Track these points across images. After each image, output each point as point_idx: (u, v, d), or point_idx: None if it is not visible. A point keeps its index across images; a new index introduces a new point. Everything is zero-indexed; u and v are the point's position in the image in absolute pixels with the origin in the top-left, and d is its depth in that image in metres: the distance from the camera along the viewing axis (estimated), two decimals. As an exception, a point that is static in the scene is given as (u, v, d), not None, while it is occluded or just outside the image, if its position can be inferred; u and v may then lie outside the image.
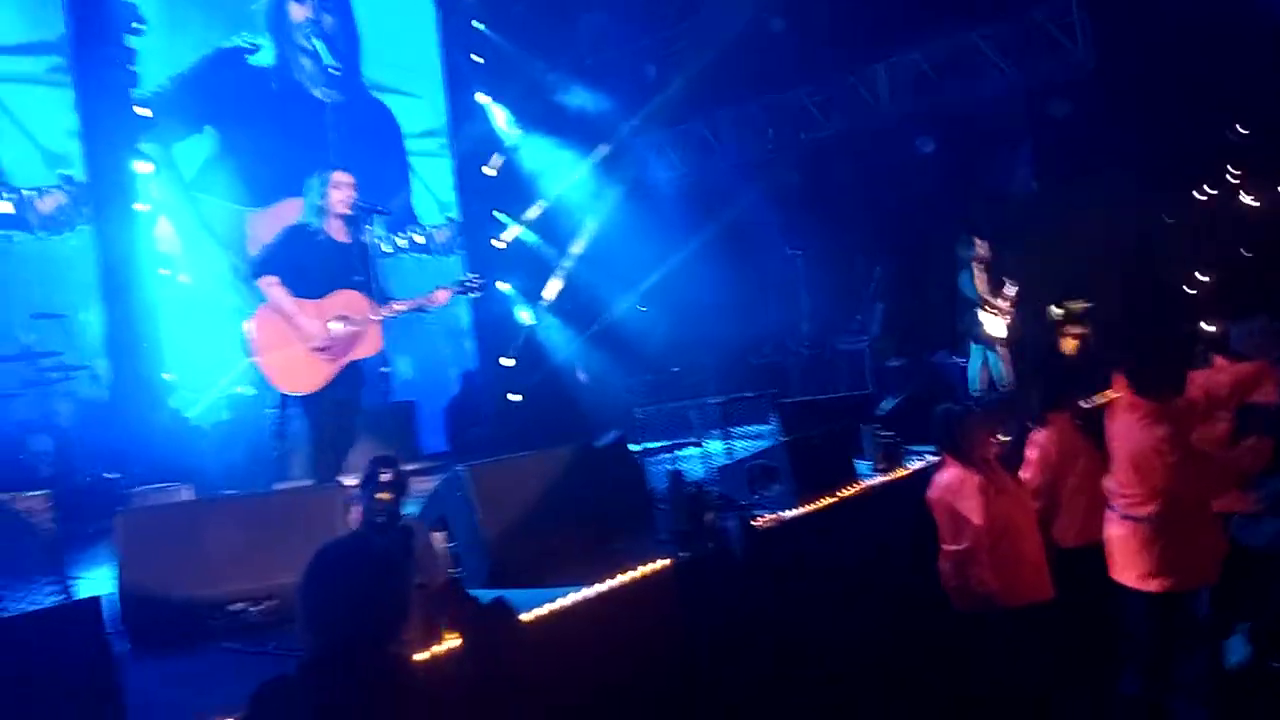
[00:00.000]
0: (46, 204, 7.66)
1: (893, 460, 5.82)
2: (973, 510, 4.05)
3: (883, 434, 5.90)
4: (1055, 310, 8.66)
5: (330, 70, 9.91)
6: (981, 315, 8.57)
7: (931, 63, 10.85)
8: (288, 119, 9.65)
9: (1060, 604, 4.13)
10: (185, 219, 8.83)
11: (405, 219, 11.07)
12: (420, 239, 11.15)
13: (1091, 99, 9.79)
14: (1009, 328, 8.63)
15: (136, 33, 8.27)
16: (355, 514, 2.47)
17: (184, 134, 9.00)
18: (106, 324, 7.95)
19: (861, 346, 10.38)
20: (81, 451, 7.26)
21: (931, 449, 5.86)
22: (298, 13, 9.97)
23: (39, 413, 7.26)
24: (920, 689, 4.23)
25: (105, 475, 7.09)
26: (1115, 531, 3.95)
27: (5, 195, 7.51)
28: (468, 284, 5.09)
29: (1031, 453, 4.59)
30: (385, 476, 2.44)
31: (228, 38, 9.43)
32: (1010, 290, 8.63)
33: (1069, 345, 8.15)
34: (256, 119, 9.40)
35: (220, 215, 9.10)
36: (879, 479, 5.62)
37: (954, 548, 4.12)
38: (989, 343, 8.61)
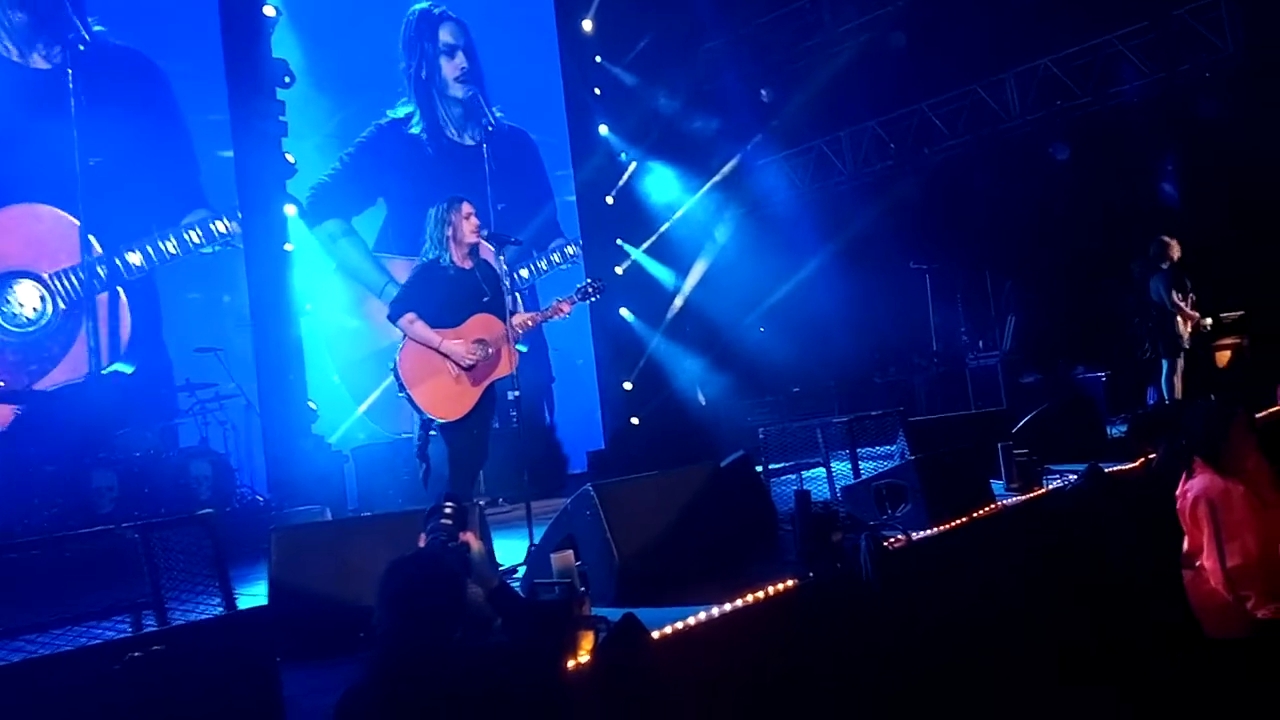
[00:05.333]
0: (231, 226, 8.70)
1: (1030, 479, 5.58)
2: (1242, 524, 3.64)
3: (1018, 452, 5.67)
4: (1207, 322, 8.15)
5: (484, 122, 10.46)
6: (1179, 322, 8.09)
7: (1063, 69, 10.49)
8: (444, 169, 10.38)
9: None
10: (370, 277, 9.76)
11: (552, 234, 11.55)
12: (572, 250, 11.68)
13: (1242, 96, 9.23)
14: (1189, 337, 8.14)
15: (285, 86, 8.88)
16: (422, 538, 2.82)
17: (361, 207, 9.93)
18: (256, 356, 8.47)
19: (993, 362, 10.01)
20: (234, 475, 7.76)
21: (1073, 467, 5.60)
22: (449, 69, 10.61)
23: (198, 439, 7.81)
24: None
25: (255, 497, 7.55)
26: None
27: (224, 218, 8.68)
28: (586, 289, 5.15)
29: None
30: (448, 510, 2.85)
31: (374, 101, 10.15)
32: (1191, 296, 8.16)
33: (1223, 357, 7.66)
34: (419, 178, 10.16)
35: (401, 268, 9.78)
36: (1016, 499, 5.40)
37: (1224, 565, 3.66)
38: (1177, 352, 8.09)
